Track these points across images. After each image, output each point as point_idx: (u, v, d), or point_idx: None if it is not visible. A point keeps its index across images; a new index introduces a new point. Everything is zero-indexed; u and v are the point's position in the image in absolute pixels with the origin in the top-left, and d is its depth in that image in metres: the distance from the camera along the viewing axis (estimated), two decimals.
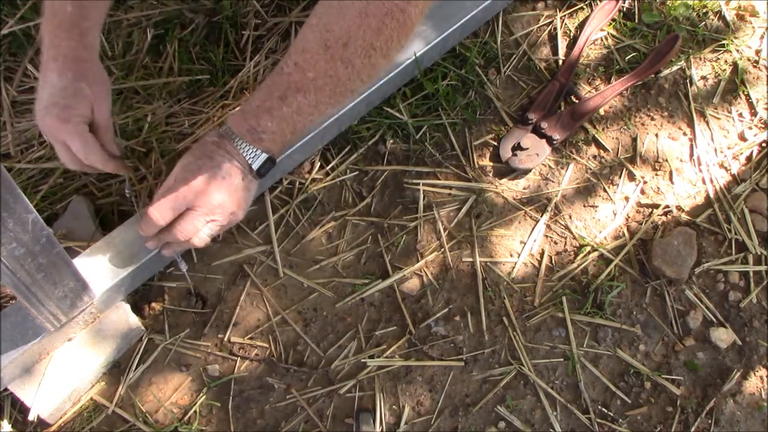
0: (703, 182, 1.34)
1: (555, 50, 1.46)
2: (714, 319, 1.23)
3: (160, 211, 1.00)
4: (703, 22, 1.50)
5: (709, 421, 1.16)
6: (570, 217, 1.30)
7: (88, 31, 1.06)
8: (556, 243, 1.28)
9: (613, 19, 1.49)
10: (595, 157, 1.36)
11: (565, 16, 1.50)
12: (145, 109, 1.31)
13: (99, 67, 1.07)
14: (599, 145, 1.37)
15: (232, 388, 1.15)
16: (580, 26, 1.47)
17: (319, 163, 1.31)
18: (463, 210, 1.29)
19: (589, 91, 1.42)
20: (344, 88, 1.02)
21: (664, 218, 1.31)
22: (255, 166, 1.03)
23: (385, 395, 1.15)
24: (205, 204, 1.01)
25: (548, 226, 1.29)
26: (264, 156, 1.03)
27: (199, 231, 1.03)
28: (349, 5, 0.96)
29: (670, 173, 1.35)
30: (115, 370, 1.15)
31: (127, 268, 1.09)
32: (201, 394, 1.14)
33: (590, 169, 1.35)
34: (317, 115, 1.03)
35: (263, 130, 1.01)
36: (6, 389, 1.07)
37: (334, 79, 0.99)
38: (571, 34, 1.48)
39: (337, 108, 1.18)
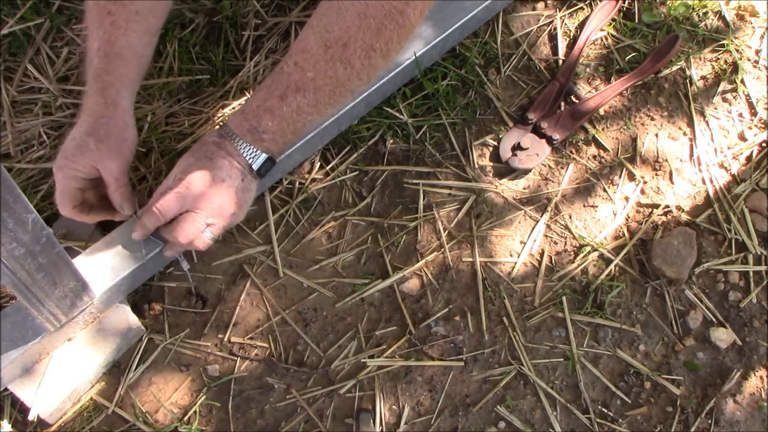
0: (703, 182, 1.34)
1: (555, 50, 1.46)
2: (714, 319, 1.23)
3: (160, 208, 1.01)
4: (703, 22, 1.50)
5: (709, 421, 1.16)
6: (570, 217, 1.30)
7: (110, 85, 1.06)
8: (556, 243, 1.28)
9: (613, 19, 1.49)
10: (595, 157, 1.36)
11: (565, 16, 1.50)
12: (145, 109, 1.31)
13: (117, 125, 1.06)
14: (599, 145, 1.37)
15: (232, 388, 1.15)
16: (580, 26, 1.47)
17: (319, 163, 1.31)
18: (463, 210, 1.29)
19: (589, 91, 1.42)
20: (344, 89, 1.02)
21: (664, 218, 1.31)
22: (255, 167, 1.03)
23: (385, 395, 1.15)
24: (206, 206, 1.01)
25: (548, 226, 1.29)
26: (264, 156, 1.03)
27: (201, 233, 1.03)
28: (349, 6, 0.96)
29: (670, 173, 1.35)
30: (115, 370, 1.15)
31: (127, 268, 1.09)
32: (201, 394, 1.14)
33: (590, 169, 1.35)
34: (317, 115, 1.04)
35: (264, 130, 1.02)
36: (6, 389, 1.07)
37: (334, 79, 1.00)
38: (571, 34, 1.48)
39: (337, 108, 1.18)
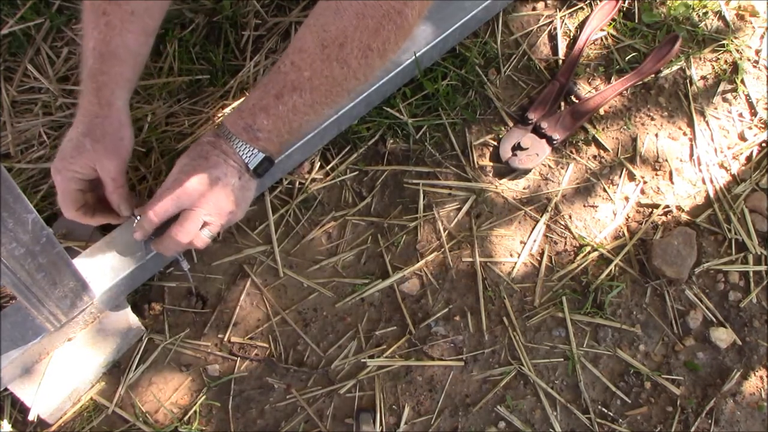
0: (703, 182, 1.34)
1: (555, 50, 1.46)
2: (714, 319, 1.23)
3: (156, 211, 1.01)
4: (703, 22, 1.50)
5: (709, 421, 1.16)
6: (570, 217, 1.30)
7: (104, 85, 1.06)
8: (556, 243, 1.28)
9: (613, 19, 1.49)
10: (595, 157, 1.36)
11: (565, 16, 1.50)
12: (145, 109, 1.31)
13: (112, 125, 1.06)
14: (599, 145, 1.37)
15: (232, 388, 1.15)
16: (580, 26, 1.47)
17: (319, 163, 1.31)
18: (463, 210, 1.29)
19: (589, 91, 1.42)
20: (340, 88, 1.02)
21: (664, 218, 1.31)
22: (252, 166, 1.03)
23: (385, 395, 1.15)
24: (203, 205, 1.01)
25: (548, 226, 1.29)
26: (261, 155, 1.03)
27: (199, 232, 1.03)
28: (347, 6, 0.96)
29: (670, 173, 1.35)
30: (115, 370, 1.15)
31: (127, 268, 1.09)
32: (201, 394, 1.14)
33: (590, 169, 1.35)
34: (313, 115, 1.04)
35: (259, 129, 1.02)
36: (6, 389, 1.07)
37: (330, 79, 1.00)
38: (571, 34, 1.48)
39: (334, 108, 1.18)
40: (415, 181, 1.31)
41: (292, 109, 1.01)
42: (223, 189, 1.02)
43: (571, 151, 1.36)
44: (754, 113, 1.42)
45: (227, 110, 1.32)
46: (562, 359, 1.19)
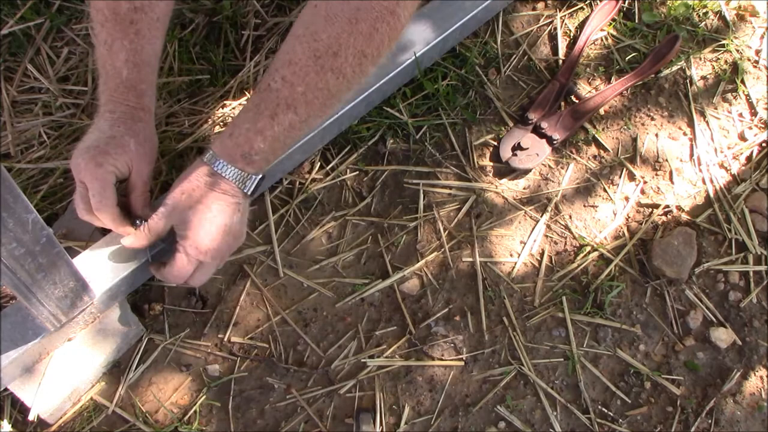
0: (703, 182, 1.34)
1: (555, 50, 1.46)
2: (714, 319, 1.23)
3: (178, 272, 1.02)
4: (703, 22, 1.50)
5: (709, 421, 1.16)
6: (570, 217, 1.30)
7: (144, 93, 1.07)
8: (556, 243, 1.28)
9: (613, 19, 1.49)
10: (595, 157, 1.36)
11: (565, 16, 1.50)
12: None
13: (151, 131, 1.08)
14: (599, 145, 1.37)
15: (232, 388, 1.15)
16: (580, 26, 1.48)
17: (319, 163, 1.31)
18: (463, 210, 1.29)
19: (589, 91, 1.42)
20: (335, 99, 0.99)
21: (664, 218, 1.31)
22: (249, 191, 1.02)
23: (385, 395, 1.15)
24: (216, 256, 1.03)
25: (548, 226, 1.29)
26: (255, 178, 1.02)
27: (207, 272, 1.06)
28: (338, 12, 0.92)
29: (670, 173, 1.35)
30: (115, 370, 1.15)
31: (127, 268, 1.09)
32: (201, 394, 1.14)
33: (590, 169, 1.35)
34: (307, 130, 1.02)
35: (256, 153, 0.99)
36: (6, 389, 1.07)
37: (325, 91, 0.96)
38: (571, 34, 1.48)
39: (326, 118, 1.15)
40: (415, 181, 1.31)
41: (288, 128, 0.98)
42: (233, 234, 1.03)
43: (571, 151, 1.36)
44: (754, 113, 1.42)
45: (227, 110, 1.32)
46: (562, 359, 1.19)
